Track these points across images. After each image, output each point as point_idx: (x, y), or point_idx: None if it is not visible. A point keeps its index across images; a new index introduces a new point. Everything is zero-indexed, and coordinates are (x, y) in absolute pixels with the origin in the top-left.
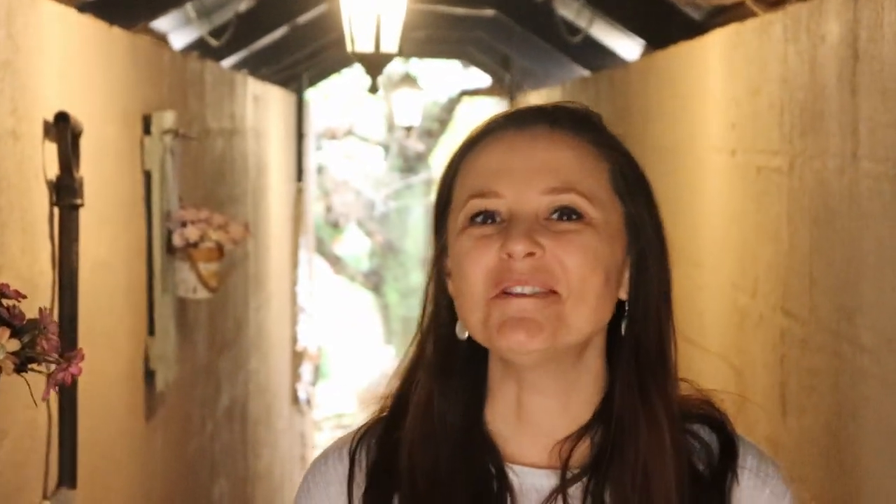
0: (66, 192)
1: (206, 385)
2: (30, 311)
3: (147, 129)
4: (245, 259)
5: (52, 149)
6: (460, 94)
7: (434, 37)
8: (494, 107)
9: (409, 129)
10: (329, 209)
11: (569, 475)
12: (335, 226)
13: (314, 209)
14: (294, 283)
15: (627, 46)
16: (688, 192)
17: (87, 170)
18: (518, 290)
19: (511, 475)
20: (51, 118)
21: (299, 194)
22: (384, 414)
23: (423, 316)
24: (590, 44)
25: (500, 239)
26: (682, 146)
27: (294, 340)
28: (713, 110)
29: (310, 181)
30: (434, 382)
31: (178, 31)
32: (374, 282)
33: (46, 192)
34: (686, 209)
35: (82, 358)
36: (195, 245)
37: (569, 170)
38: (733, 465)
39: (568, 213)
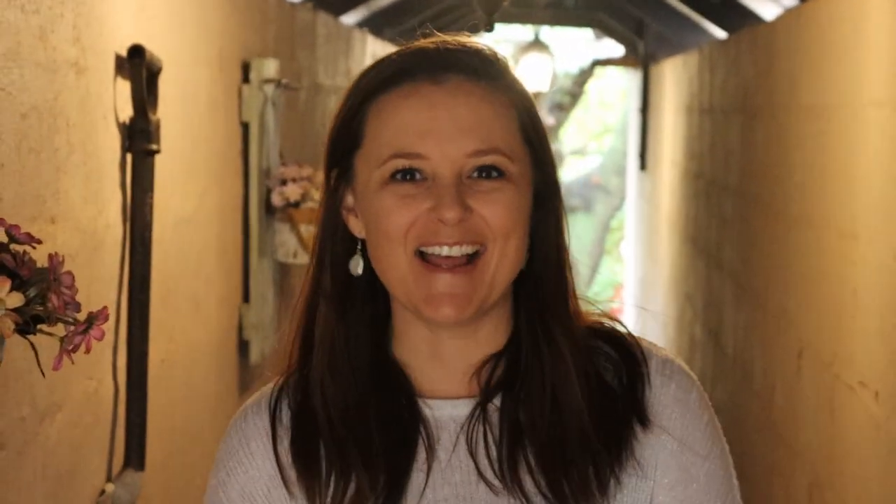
0: (139, 136)
1: None
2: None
3: (246, 77)
4: None
5: (125, 87)
6: (592, 64)
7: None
8: (627, 78)
9: (536, 95)
10: None
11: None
12: None
13: None
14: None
15: (768, 6)
16: (841, 154)
17: (171, 114)
18: (445, 251)
19: (426, 409)
20: (124, 52)
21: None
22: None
23: (318, 248)
24: (728, 4)
25: (425, 200)
26: (834, 103)
27: None
28: (874, 60)
29: None
30: (335, 315)
31: None
32: None
33: (118, 134)
34: (839, 173)
35: (105, 318)
36: (296, 205)
37: (490, 128)
38: (637, 370)
39: (489, 172)
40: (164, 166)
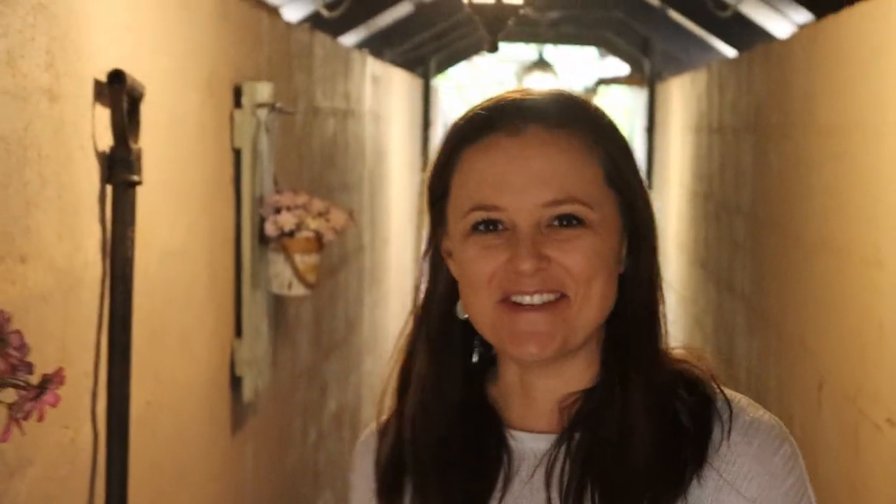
0: (119, 166)
1: (310, 390)
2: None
3: (238, 102)
4: (359, 252)
5: (104, 115)
6: (597, 83)
7: (569, 17)
8: (632, 97)
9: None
10: None
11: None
12: None
13: None
14: (418, 280)
15: (779, 23)
16: (863, 176)
17: (156, 142)
18: (527, 300)
19: (511, 441)
20: (104, 77)
21: (424, 186)
22: None
23: (422, 292)
24: (738, 20)
25: (505, 251)
26: (854, 123)
27: None
28: None
29: None
30: (431, 356)
31: (291, 3)
32: None
33: (96, 165)
34: (860, 198)
35: (61, 381)
36: (291, 234)
37: (565, 178)
38: (711, 421)
39: (568, 220)
40: (149, 197)
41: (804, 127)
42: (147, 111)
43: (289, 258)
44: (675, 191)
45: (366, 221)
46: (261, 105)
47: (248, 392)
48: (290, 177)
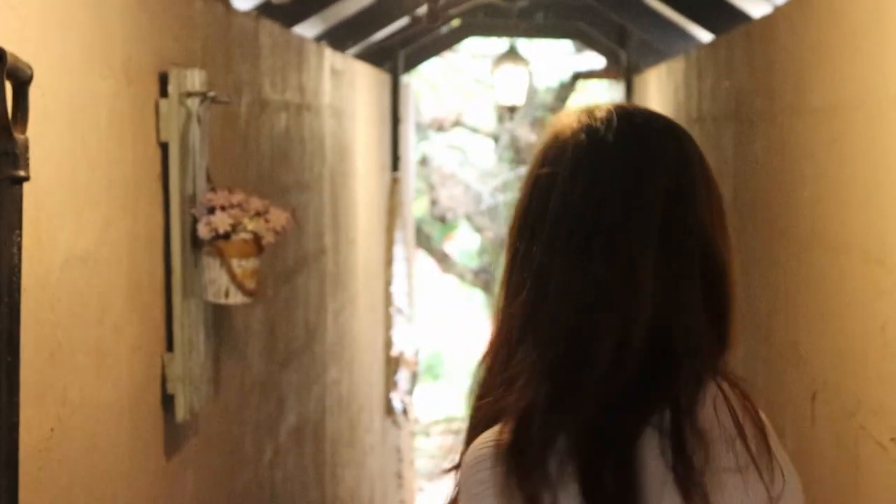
0: (2, 160)
1: (264, 405)
2: None
3: (165, 91)
4: (320, 255)
5: None
6: (573, 77)
7: (540, 4)
8: (610, 92)
9: (512, 109)
10: (435, 203)
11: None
12: (442, 220)
13: (419, 204)
14: (388, 282)
15: (759, 5)
16: (863, 162)
17: (54, 134)
18: None
19: None
20: None
21: (395, 185)
22: None
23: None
24: (716, 4)
25: None
26: (852, 103)
27: (388, 345)
28: None
29: (409, 171)
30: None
31: None
32: (485, 280)
33: None
34: (860, 185)
35: None
36: (226, 237)
37: None
38: None
39: None
40: (46, 196)
41: (793, 111)
42: (38, 98)
43: (224, 263)
44: None
45: (327, 222)
46: (191, 94)
47: (181, 411)
48: (233, 175)
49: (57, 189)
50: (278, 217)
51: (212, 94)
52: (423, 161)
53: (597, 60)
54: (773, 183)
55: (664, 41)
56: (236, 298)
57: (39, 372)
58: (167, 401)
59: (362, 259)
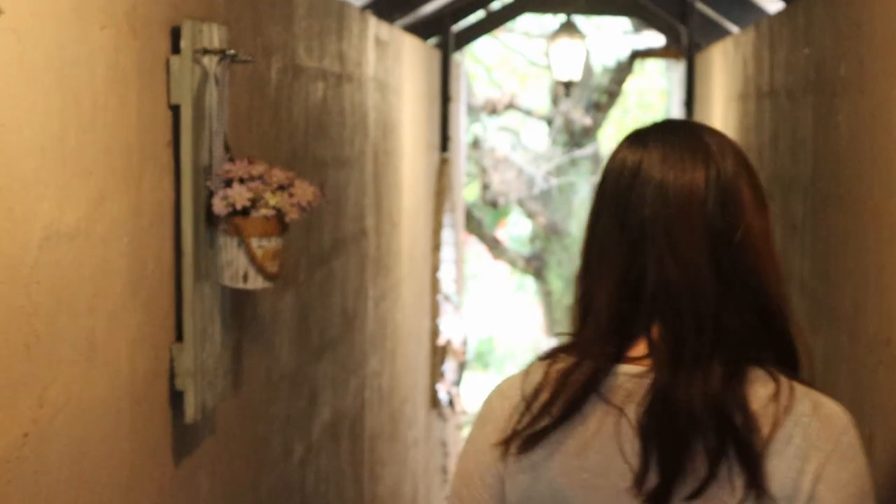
0: None
1: (294, 399)
2: None
3: (177, 47)
4: (360, 237)
5: None
6: (631, 55)
7: None
8: (669, 75)
9: (568, 85)
10: (486, 187)
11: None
12: (494, 205)
13: (470, 188)
14: (435, 268)
15: None
16: None
17: (34, 87)
18: None
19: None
20: None
21: (444, 166)
22: None
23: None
24: None
25: None
26: None
27: (434, 334)
28: None
29: (459, 153)
30: None
31: None
32: (537, 267)
33: None
34: None
35: None
36: (245, 213)
37: None
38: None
39: None
40: (20, 160)
41: (889, 76)
42: (13, 43)
43: (243, 242)
44: None
45: (368, 203)
46: (208, 51)
47: (191, 410)
48: (261, 146)
49: (36, 154)
50: (304, 191)
51: (232, 52)
52: (475, 144)
53: (656, 39)
54: (861, 161)
55: (730, 14)
56: (256, 283)
57: (10, 369)
58: (176, 398)
59: (407, 243)
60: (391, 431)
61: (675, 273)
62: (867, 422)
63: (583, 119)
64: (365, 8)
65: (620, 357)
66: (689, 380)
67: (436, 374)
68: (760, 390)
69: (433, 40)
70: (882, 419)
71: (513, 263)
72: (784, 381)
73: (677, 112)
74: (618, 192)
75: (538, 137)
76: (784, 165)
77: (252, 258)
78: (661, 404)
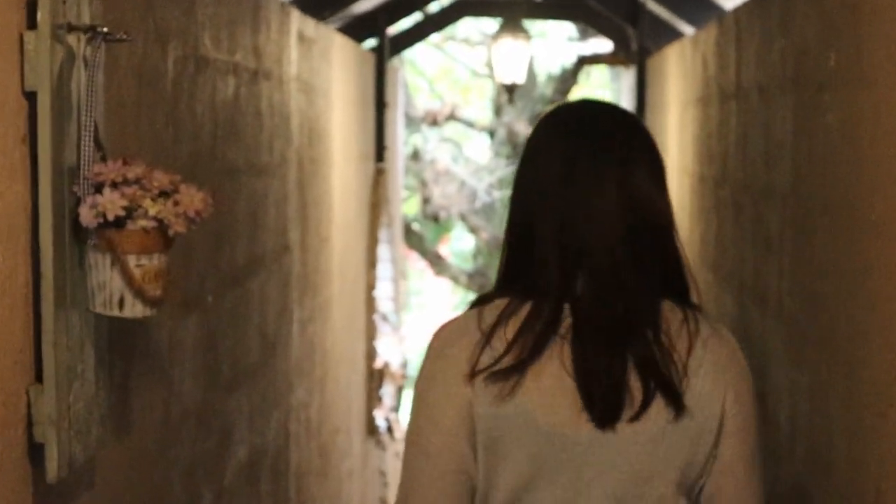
0: None
1: (200, 440)
2: None
3: (33, 21)
4: (282, 254)
5: None
6: (578, 62)
7: None
8: (615, 83)
9: (512, 89)
10: (427, 201)
11: None
12: (435, 219)
13: (411, 202)
14: (371, 286)
15: None
16: None
17: None
18: None
19: None
20: None
21: (380, 176)
22: None
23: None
24: None
25: None
26: None
27: (370, 357)
28: None
29: (397, 163)
30: None
31: None
32: (480, 283)
33: None
34: None
35: None
36: (119, 224)
37: None
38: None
39: None
40: None
41: (890, 68)
42: None
43: (117, 260)
44: (674, 179)
45: (292, 215)
46: (74, 28)
47: (54, 465)
48: (154, 148)
49: None
50: (192, 198)
51: (104, 29)
52: (415, 155)
53: (602, 45)
54: (862, 161)
55: (684, 13)
56: (135, 310)
57: None
58: (36, 452)
59: (338, 259)
60: (321, 465)
61: (597, 231)
62: (871, 478)
63: (526, 130)
64: (290, 2)
65: (566, 297)
66: (614, 306)
67: (372, 400)
68: (671, 315)
69: (368, 44)
70: (893, 473)
71: (455, 280)
72: (689, 311)
73: None
74: (550, 163)
75: (480, 149)
76: (755, 172)
77: (129, 279)
78: (592, 331)
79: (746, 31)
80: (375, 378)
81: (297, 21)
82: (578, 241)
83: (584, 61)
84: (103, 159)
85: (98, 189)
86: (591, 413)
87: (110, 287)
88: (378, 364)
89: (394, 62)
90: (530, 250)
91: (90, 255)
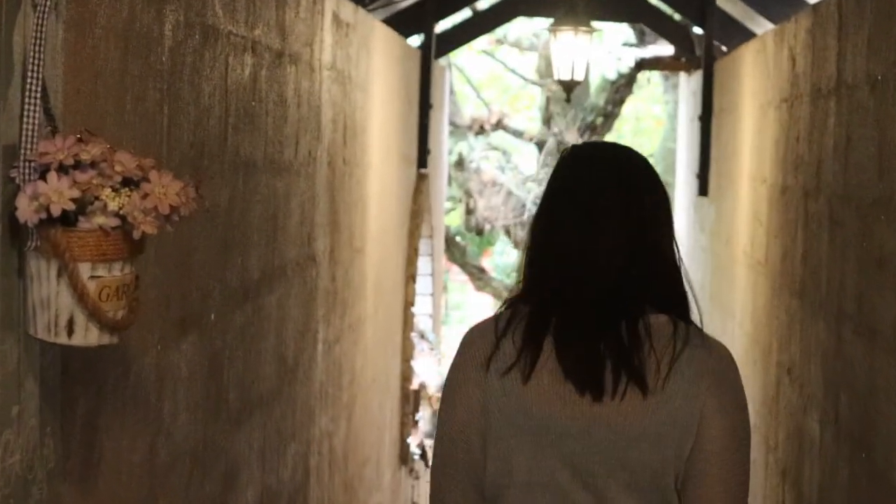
0: None
1: (197, 484)
2: None
3: None
4: (307, 265)
5: None
6: (637, 66)
7: None
8: (669, 93)
9: (571, 87)
10: (471, 212)
11: None
12: (479, 233)
13: (453, 213)
14: (409, 302)
15: None
16: None
17: None
18: None
19: None
20: None
21: (422, 183)
22: None
23: None
24: None
25: None
26: None
27: (406, 379)
28: None
29: (440, 169)
30: None
31: None
32: None
33: None
34: None
35: None
36: (69, 221)
37: None
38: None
39: None
40: None
41: None
42: None
43: (65, 270)
44: (748, 190)
45: (320, 221)
46: None
47: None
48: (143, 133)
49: None
50: (165, 189)
51: None
52: (460, 164)
53: (662, 50)
54: None
55: (765, 6)
56: (88, 336)
57: None
58: None
59: (374, 273)
60: (347, 502)
61: (596, 245)
62: None
63: (577, 141)
64: None
65: (561, 303)
66: (604, 318)
67: (407, 426)
68: (663, 326)
69: (413, 41)
70: None
71: (497, 295)
72: (681, 323)
73: (686, 129)
74: (565, 192)
75: (528, 161)
76: (862, 182)
77: (81, 296)
78: (583, 337)
79: (854, 14)
80: (411, 401)
81: (333, 1)
82: (582, 266)
83: (643, 65)
84: (53, 132)
85: (41, 173)
86: (579, 394)
87: (56, 305)
88: (414, 385)
89: (440, 62)
90: (544, 268)
91: (30, 261)
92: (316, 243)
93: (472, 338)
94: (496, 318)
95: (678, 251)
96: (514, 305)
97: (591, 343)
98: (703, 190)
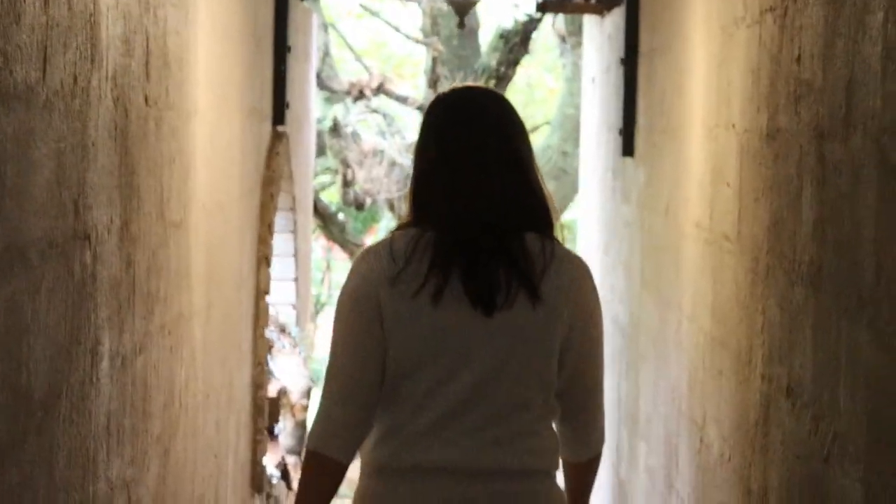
0: None
1: None
2: None
3: None
4: (72, 246)
5: None
6: (539, 6)
7: None
8: (566, 55)
9: (464, 6)
10: (349, 184)
11: None
12: (358, 207)
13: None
14: (262, 291)
15: None
16: None
17: None
18: None
19: None
20: None
21: (278, 143)
22: None
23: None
24: None
25: None
26: None
27: (258, 387)
28: None
29: (306, 130)
30: None
31: None
32: None
33: None
34: None
35: None
36: None
37: None
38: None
39: None
40: None
41: None
42: None
43: None
44: (701, 144)
45: (100, 182)
46: None
47: None
48: None
49: None
50: None
51: None
52: (336, 129)
53: None
54: None
55: None
56: None
57: None
58: None
59: (203, 254)
60: None
61: (479, 180)
62: None
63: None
64: None
65: (456, 230)
66: (488, 237)
67: (261, 444)
68: (534, 243)
69: None
70: None
71: None
72: (548, 240)
73: (598, 85)
74: (440, 135)
75: (412, 128)
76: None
77: None
78: (485, 261)
79: None
80: (265, 413)
81: None
82: (465, 194)
83: (546, 7)
84: None
85: None
86: (473, 304)
87: None
88: (271, 393)
89: (305, 4)
90: (430, 199)
91: None
92: (91, 213)
93: (369, 259)
94: (391, 242)
95: (541, 177)
96: (405, 231)
97: (489, 264)
98: (627, 149)
